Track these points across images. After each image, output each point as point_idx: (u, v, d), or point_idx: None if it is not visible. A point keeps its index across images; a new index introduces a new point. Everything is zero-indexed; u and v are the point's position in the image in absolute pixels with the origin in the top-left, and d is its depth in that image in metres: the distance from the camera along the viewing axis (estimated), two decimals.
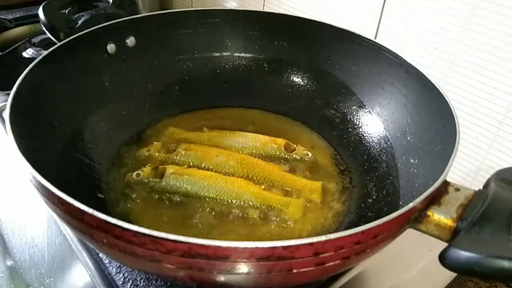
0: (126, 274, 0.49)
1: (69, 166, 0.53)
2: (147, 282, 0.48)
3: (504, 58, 0.60)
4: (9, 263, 0.53)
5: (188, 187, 0.55)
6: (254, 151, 0.62)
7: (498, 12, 0.59)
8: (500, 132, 0.64)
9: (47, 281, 0.49)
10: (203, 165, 0.59)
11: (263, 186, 0.56)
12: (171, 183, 0.55)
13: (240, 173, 0.58)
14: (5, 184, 0.63)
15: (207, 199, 0.54)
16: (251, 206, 0.54)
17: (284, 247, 0.30)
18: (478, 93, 0.64)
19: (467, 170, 0.70)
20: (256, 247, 0.30)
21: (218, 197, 0.54)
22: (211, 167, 0.59)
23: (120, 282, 0.48)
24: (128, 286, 0.48)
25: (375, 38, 0.76)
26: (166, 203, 0.55)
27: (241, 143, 0.63)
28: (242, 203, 0.54)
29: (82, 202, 0.32)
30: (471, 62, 0.64)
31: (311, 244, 0.30)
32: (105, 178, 0.57)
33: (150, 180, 0.56)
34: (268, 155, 0.62)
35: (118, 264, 0.50)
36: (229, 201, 0.54)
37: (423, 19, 0.68)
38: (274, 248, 0.30)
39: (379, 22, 0.74)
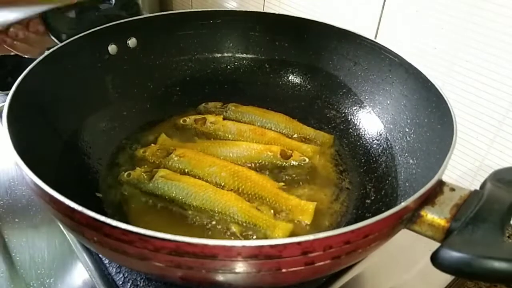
0: (126, 274, 0.49)
1: (68, 165, 0.54)
2: (147, 282, 0.49)
3: (504, 58, 0.59)
4: (9, 263, 0.53)
5: (174, 192, 0.54)
6: (250, 161, 0.61)
7: (498, 12, 0.58)
8: (500, 132, 0.63)
9: (47, 281, 0.50)
10: (194, 173, 0.57)
11: (255, 204, 0.54)
12: (158, 186, 0.55)
13: (231, 186, 0.56)
14: (5, 184, 0.64)
15: (192, 207, 0.53)
16: (235, 222, 0.51)
17: (271, 246, 0.30)
18: (478, 93, 0.64)
19: (467, 170, 0.69)
20: (243, 246, 0.30)
21: (202, 207, 0.52)
22: (202, 176, 0.57)
23: (120, 282, 0.48)
24: (128, 286, 0.48)
25: (375, 38, 0.75)
26: (152, 207, 0.54)
27: (235, 153, 0.61)
28: (226, 216, 0.52)
29: (80, 202, 0.32)
30: (471, 62, 0.63)
31: (298, 243, 0.30)
32: (104, 177, 0.58)
33: (139, 180, 0.56)
34: (265, 164, 0.60)
35: (118, 264, 0.50)
36: (213, 212, 0.52)
37: (423, 19, 0.67)
38: (262, 247, 0.30)
39: (379, 22, 0.74)
